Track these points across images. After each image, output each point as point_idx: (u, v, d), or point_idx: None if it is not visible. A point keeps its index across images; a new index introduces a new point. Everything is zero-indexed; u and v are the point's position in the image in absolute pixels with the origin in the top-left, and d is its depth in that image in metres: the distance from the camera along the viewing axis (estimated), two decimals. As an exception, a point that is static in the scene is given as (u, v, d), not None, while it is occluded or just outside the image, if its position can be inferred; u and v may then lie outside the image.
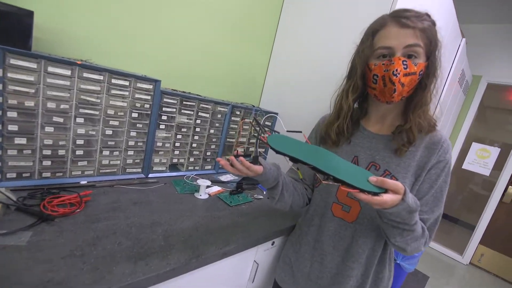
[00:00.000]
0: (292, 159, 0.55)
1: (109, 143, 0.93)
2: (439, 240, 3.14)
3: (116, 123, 0.92)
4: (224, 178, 1.26)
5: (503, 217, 2.84)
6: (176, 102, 1.06)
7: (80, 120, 0.84)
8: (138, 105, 0.95)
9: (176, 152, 1.15)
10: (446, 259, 2.96)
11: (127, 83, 0.91)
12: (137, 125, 0.98)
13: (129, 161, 1.01)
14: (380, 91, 0.63)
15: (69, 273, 0.51)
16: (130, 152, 1.00)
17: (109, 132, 0.92)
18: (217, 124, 1.24)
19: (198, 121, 1.17)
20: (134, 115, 0.96)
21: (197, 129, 1.18)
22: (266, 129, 0.59)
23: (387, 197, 0.49)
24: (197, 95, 1.16)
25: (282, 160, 0.78)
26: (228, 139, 1.32)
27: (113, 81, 0.87)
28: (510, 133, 3.43)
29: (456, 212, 3.71)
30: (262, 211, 1.00)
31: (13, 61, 0.69)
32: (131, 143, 0.98)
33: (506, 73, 2.77)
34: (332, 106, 0.76)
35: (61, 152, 0.83)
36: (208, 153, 1.26)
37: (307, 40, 1.41)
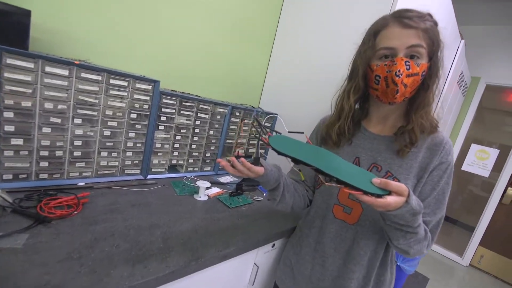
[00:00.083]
0: (294, 160, 0.54)
1: (108, 144, 0.92)
2: (439, 241, 3.14)
3: (115, 124, 0.91)
4: (224, 179, 1.25)
5: (502, 218, 2.84)
6: (175, 103, 1.06)
7: (78, 120, 0.83)
8: (136, 105, 0.95)
9: (175, 153, 1.14)
10: (446, 261, 2.95)
11: (125, 84, 0.90)
12: (136, 126, 0.97)
13: (128, 162, 1.00)
14: (382, 92, 0.62)
15: (66, 276, 0.50)
16: (129, 153, 0.99)
17: (107, 133, 0.91)
18: (216, 125, 1.23)
19: (198, 122, 1.16)
20: (133, 116, 0.95)
21: (197, 130, 1.17)
22: (268, 130, 0.59)
23: (390, 199, 0.48)
24: (197, 95, 1.16)
25: (283, 161, 0.78)
26: (227, 140, 1.31)
27: (112, 81, 0.86)
28: (508, 134, 3.45)
29: (456, 213, 3.71)
30: (262, 212, 0.99)
31: (9, 61, 0.68)
32: (130, 144, 0.97)
33: (504, 75, 2.78)
34: (333, 107, 0.75)
35: (59, 153, 0.82)
36: (208, 154, 1.25)
37: (307, 41, 1.41)
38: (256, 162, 0.59)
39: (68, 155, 0.84)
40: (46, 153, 0.80)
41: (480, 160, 2.72)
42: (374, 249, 0.69)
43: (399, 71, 0.58)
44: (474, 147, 2.74)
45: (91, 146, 0.89)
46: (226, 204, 0.99)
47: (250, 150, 1.44)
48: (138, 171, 1.04)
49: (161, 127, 1.05)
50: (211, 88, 1.41)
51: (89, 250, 0.59)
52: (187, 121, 1.13)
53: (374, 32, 0.64)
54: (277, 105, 1.53)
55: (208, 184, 1.02)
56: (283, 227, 0.92)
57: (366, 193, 0.49)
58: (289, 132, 0.61)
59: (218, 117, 1.23)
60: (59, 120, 0.79)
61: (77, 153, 0.86)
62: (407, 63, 0.58)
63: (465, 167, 2.79)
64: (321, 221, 0.75)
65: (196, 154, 1.21)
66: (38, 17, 0.82)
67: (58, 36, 0.90)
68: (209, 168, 1.29)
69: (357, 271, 0.70)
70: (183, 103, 1.08)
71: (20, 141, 0.75)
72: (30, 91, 0.73)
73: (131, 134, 0.97)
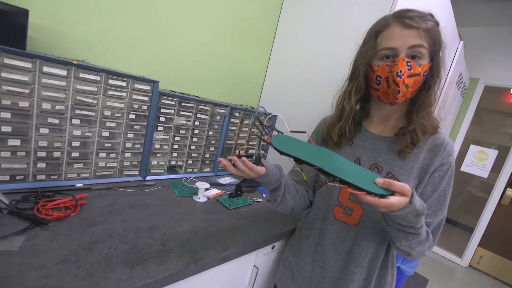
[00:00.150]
0: (297, 160, 0.54)
1: (106, 145, 0.91)
2: (438, 242, 3.10)
3: (113, 124, 0.91)
4: (223, 180, 1.25)
5: (501, 219, 2.84)
6: (174, 103, 1.05)
7: (76, 121, 0.82)
8: (135, 106, 0.94)
9: (174, 154, 1.13)
10: (445, 262, 2.95)
11: (124, 84, 0.89)
12: (135, 126, 0.96)
13: (126, 163, 0.99)
14: (384, 92, 0.62)
15: (63, 279, 0.49)
16: (127, 154, 0.98)
17: (105, 133, 0.90)
18: (216, 126, 1.23)
19: (197, 123, 1.15)
20: (132, 116, 0.94)
21: (196, 131, 1.16)
22: (269, 129, 0.58)
23: (394, 200, 0.48)
24: (196, 96, 1.15)
25: (283, 161, 0.77)
26: (227, 141, 1.30)
27: (110, 81, 0.86)
28: (507, 135, 3.46)
29: (455, 214, 3.71)
30: (261, 214, 0.99)
31: (7, 61, 0.67)
32: (128, 145, 0.97)
33: (503, 76, 2.79)
34: (333, 107, 0.75)
35: (56, 154, 0.81)
36: (207, 155, 1.25)
37: (306, 41, 1.41)
38: (258, 161, 0.59)
39: (66, 156, 0.83)
40: (43, 154, 0.79)
41: (479, 161, 2.73)
42: (375, 251, 0.69)
43: (400, 71, 0.57)
44: (473, 148, 2.75)
45: (89, 147, 0.88)
46: (225, 206, 0.98)
47: (250, 151, 1.44)
48: (137, 172, 1.03)
49: (160, 128, 1.04)
50: (211, 88, 1.40)
51: (86, 252, 0.58)
52: (186, 122, 1.12)
53: (375, 32, 0.63)
54: (277, 106, 1.53)
55: (207, 185, 1.01)
56: (282, 228, 0.91)
57: (369, 193, 0.49)
58: (291, 131, 0.61)
59: (218, 117, 1.22)
60: (57, 121, 0.79)
61: (75, 154, 0.85)
62: (409, 64, 0.58)
63: (464, 168, 2.79)
64: (322, 222, 0.75)
65: (195, 155, 1.21)
66: (36, 17, 0.81)
67: (56, 36, 0.89)
68: (208, 169, 1.29)
69: (357, 273, 0.69)
70: (182, 104, 1.08)
71: (17, 142, 0.74)
72: (27, 91, 0.72)
73: (130, 135, 0.96)
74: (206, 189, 1.03)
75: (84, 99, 0.82)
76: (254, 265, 0.89)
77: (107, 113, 0.88)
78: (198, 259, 0.65)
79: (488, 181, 2.93)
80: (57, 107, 0.78)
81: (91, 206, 0.76)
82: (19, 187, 0.76)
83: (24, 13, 0.71)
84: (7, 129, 0.71)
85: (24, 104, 0.72)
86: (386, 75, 0.60)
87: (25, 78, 0.71)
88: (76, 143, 0.84)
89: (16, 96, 0.71)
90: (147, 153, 1.02)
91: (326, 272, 0.73)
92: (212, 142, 1.24)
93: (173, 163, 1.15)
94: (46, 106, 0.76)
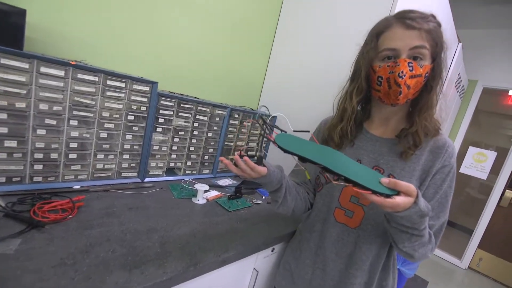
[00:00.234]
0: (301, 159, 0.53)
1: (104, 146, 0.90)
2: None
3: (111, 125, 0.90)
4: (223, 182, 1.24)
5: (500, 221, 2.84)
6: (173, 104, 1.04)
7: (73, 122, 0.81)
8: (134, 107, 0.93)
9: (173, 156, 1.13)
10: (445, 264, 2.95)
11: (123, 85, 0.88)
12: (133, 128, 0.95)
13: (125, 165, 0.98)
14: (385, 93, 0.62)
15: (59, 283, 0.48)
16: (126, 156, 0.97)
17: (104, 135, 0.89)
18: (215, 127, 1.22)
19: (196, 124, 1.14)
20: (130, 117, 0.93)
21: (195, 132, 1.16)
22: (272, 128, 0.57)
23: (399, 200, 0.47)
24: (195, 97, 1.14)
25: (284, 163, 0.76)
26: (226, 143, 1.29)
27: (109, 82, 0.85)
28: (505, 137, 3.47)
29: (454, 216, 3.71)
30: (261, 216, 0.98)
31: (4, 61, 0.66)
32: (127, 146, 0.96)
33: (501, 78, 2.80)
34: (335, 108, 0.74)
35: (54, 155, 0.80)
36: (206, 157, 1.24)
37: (306, 41, 1.41)
38: (259, 162, 0.58)
39: (63, 158, 0.82)
40: (40, 156, 0.78)
41: (478, 163, 2.73)
42: (376, 254, 0.68)
43: (402, 72, 0.57)
44: (472, 150, 2.75)
45: (87, 148, 0.87)
46: (225, 208, 0.97)
47: (249, 152, 1.43)
48: (135, 174, 1.02)
49: (159, 129, 1.03)
50: (210, 89, 1.40)
51: (83, 255, 0.57)
52: (185, 123, 1.11)
53: (377, 33, 0.63)
54: (277, 107, 1.52)
55: (206, 187, 1.00)
56: (282, 231, 0.90)
57: (374, 192, 0.48)
58: (294, 131, 0.60)
59: (217, 119, 1.21)
60: (54, 122, 0.78)
61: (72, 156, 0.84)
62: (410, 64, 0.57)
63: (463, 169, 2.79)
64: (322, 224, 0.74)
65: (195, 156, 1.20)
66: (33, 17, 0.81)
67: (53, 36, 0.88)
68: (207, 171, 1.28)
69: (359, 276, 0.69)
70: (182, 105, 1.07)
71: (13, 143, 0.73)
72: (24, 92, 0.71)
73: (128, 136, 0.95)
74: (205, 191, 1.02)
75: (82, 100, 0.81)
76: (254, 268, 0.88)
77: (105, 114, 0.87)
78: (197, 262, 0.64)
79: (487, 183, 2.94)
80: (55, 108, 0.77)
81: (89, 208, 0.75)
82: (15, 189, 0.75)
83: (22, 12, 0.71)
84: (3, 130, 0.70)
85: (21, 105, 0.71)
86: (387, 75, 0.60)
87: (22, 79, 0.70)
88: (73, 145, 0.83)
89: (13, 96, 0.70)
90: (145, 155, 1.01)
91: (327, 275, 0.72)
92: (211, 143, 1.23)
93: (172, 164, 1.14)
94: (43, 107, 0.75)
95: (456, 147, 3.01)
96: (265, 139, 0.56)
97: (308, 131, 0.60)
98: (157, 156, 1.07)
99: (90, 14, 0.94)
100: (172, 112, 1.05)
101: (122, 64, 1.06)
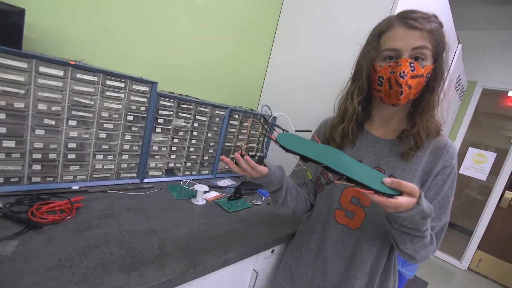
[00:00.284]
0: (303, 158, 0.53)
1: (103, 146, 0.90)
2: (437, 245, 3.12)
3: (111, 126, 0.89)
4: (222, 183, 1.23)
5: (500, 222, 2.84)
6: (173, 105, 1.04)
7: (72, 122, 0.81)
8: (133, 107, 0.93)
9: (173, 157, 1.12)
10: (444, 265, 2.94)
11: (122, 85, 0.88)
12: (133, 128, 0.95)
13: (124, 165, 0.97)
14: (386, 94, 0.61)
15: (57, 285, 0.48)
16: (125, 156, 0.96)
17: (103, 135, 0.88)
18: (215, 128, 1.22)
19: (196, 125, 1.14)
20: (130, 118, 0.93)
21: (195, 133, 1.15)
22: (274, 127, 0.57)
23: (402, 200, 0.47)
24: (195, 98, 1.14)
25: (283, 164, 0.76)
26: (226, 143, 1.29)
27: (108, 82, 0.84)
28: (505, 138, 3.47)
29: (454, 217, 3.71)
30: (261, 217, 0.97)
31: (2, 61, 0.65)
32: (126, 147, 0.95)
33: (500, 79, 2.80)
34: (336, 108, 0.74)
35: (52, 156, 0.80)
36: (206, 158, 1.23)
37: (306, 41, 1.40)
38: (260, 161, 0.58)
39: (62, 158, 0.82)
40: (39, 156, 0.77)
41: (477, 164, 2.72)
42: (377, 255, 0.68)
43: (403, 72, 0.57)
44: (471, 151, 2.75)
45: (86, 148, 0.87)
46: (224, 209, 0.97)
47: (250, 153, 1.42)
48: (135, 175, 1.02)
49: (158, 130, 1.03)
50: (210, 90, 1.39)
51: (81, 257, 0.56)
52: (185, 124, 1.11)
53: (379, 33, 0.63)
54: (277, 107, 1.52)
55: (206, 188, 1.00)
56: (282, 232, 0.89)
57: (377, 192, 0.47)
58: (296, 131, 0.60)
59: (217, 119, 1.21)
60: (53, 122, 0.77)
61: (71, 156, 0.83)
62: (412, 65, 0.57)
63: (462, 170, 2.78)
64: (323, 226, 0.74)
65: (194, 157, 1.19)
66: (32, 16, 0.80)
67: (53, 36, 0.88)
68: (207, 172, 1.27)
69: (359, 277, 0.68)
70: (181, 105, 1.07)
71: (12, 143, 0.72)
72: (23, 92, 0.70)
73: (128, 137, 0.94)
74: (205, 192, 1.01)
75: (81, 100, 0.81)
76: (254, 270, 0.87)
77: (105, 114, 0.87)
78: (197, 263, 0.63)
79: (486, 184, 2.93)
80: (54, 108, 0.76)
81: (87, 209, 0.75)
82: (13, 189, 0.74)
83: (21, 12, 0.70)
84: (2, 130, 0.69)
85: (19, 104, 0.71)
86: (388, 75, 0.59)
87: (21, 79, 0.69)
88: (72, 145, 0.83)
89: (12, 96, 0.69)
90: (145, 155, 1.01)
91: (327, 276, 0.72)
92: (211, 144, 1.23)
93: (171, 165, 1.13)
94: (42, 107, 0.74)
95: (455, 148, 3.04)
96: (266, 139, 0.56)
97: (310, 131, 0.60)
98: (156, 157, 1.06)
99: (90, 14, 0.93)
100: (171, 113, 1.04)
101: (122, 64, 1.05)
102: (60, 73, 0.75)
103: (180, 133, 1.10)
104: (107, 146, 0.91)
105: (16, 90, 0.69)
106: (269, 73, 1.62)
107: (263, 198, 1.17)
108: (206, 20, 1.26)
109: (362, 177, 0.49)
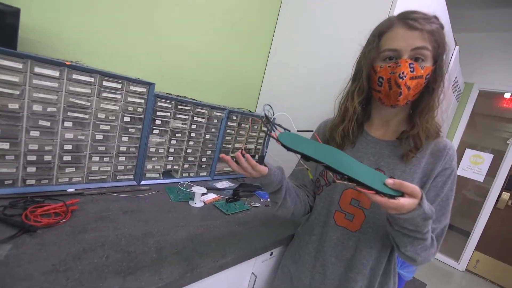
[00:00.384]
0: (304, 157, 0.52)
1: (99, 148, 0.88)
2: (435, 246, 3.13)
3: (107, 127, 0.88)
4: (220, 185, 1.22)
5: (497, 223, 2.85)
6: (170, 106, 1.03)
7: (68, 124, 0.80)
8: (130, 109, 0.91)
9: (170, 158, 1.11)
10: (442, 266, 2.95)
11: (119, 86, 0.87)
12: (129, 129, 0.94)
13: (121, 167, 0.96)
14: (385, 94, 0.61)
15: (51, 291, 0.47)
16: (122, 158, 0.95)
17: (99, 137, 0.87)
18: (213, 129, 1.21)
19: (194, 126, 1.13)
20: (126, 119, 0.92)
21: (192, 134, 1.14)
22: (275, 126, 0.56)
23: (404, 201, 0.46)
24: (193, 99, 1.13)
25: (283, 164, 0.75)
26: (224, 145, 1.28)
27: (105, 83, 0.83)
28: (501, 139, 3.49)
29: (451, 218, 3.70)
30: (259, 219, 0.96)
31: (-4, 61, 0.64)
32: (123, 148, 0.94)
33: (497, 80, 2.82)
34: (336, 109, 0.74)
35: (47, 157, 0.78)
36: (204, 159, 1.22)
37: (305, 42, 1.40)
38: (261, 161, 0.57)
39: (57, 160, 0.81)
40: (34, 158, 0.76)
41: (474, 165, 2.74)
42: (376, 258, 0.67)
43: (402, 73, 0.56)
44: (468, 152, 2.76)
45: (82, 150, 0.85)
46: (222, 211, 0.96)
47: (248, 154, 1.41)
48: (131, 177, 1.01)
49: (155, 131, 1.02)
50: (208, 91, 1.39)
51: (76, 261, 0.55)
52: (182, 125, 1.10)
53: (379, 33, 0.62)
54: (275, 107, 1.52)
55: (204, 190, 0.99)
56: (281, 234, 0.89)
57: (378, 192, 0.47)
58: (298, 131, 0.59)
59: (215, 121, 1.20)
60: (48, 123, 0.76)
61: (67, 158, 0.82)
62: (411, 65, 0.57)
63: (459, 171, 2.79)
64: (322, 228, 0.73)
65: (192, 159, 1.18)
66: (28, 16, 0.79)
67: (48, 36, 0.87)
68: (205, 173, 1.26)
69: (359, 280, 0.67)
70: (179, 107, 1.06)
71: (6, 145, 0.71)
72: (17, 92, 0.69)
73: (124, 138, 0.93)
74: (203, 194, 1.01)
75: (77, 101, 0.79)
76: (252, 273, 0.86)
77: (101, 115, 0.85)
78: (194, 267, 0.62)
79: (483, 185, 2.95)
80: (49, 109, 0.75)
81: (83, 212, 0.74)
82: (7, 192, 0.73)
83: (16, 12, 0.69)
84: (-5, 131, 0.68)
85: (14, 106, 0.69)
86: (388, 76, 0.59)
87: (16, 79, 0.68)
88: (68, 147, 0.81)
89: (6, 97, 0.68)
90: (142, 157, 0.99)
91: (326, 279, 0.71)
92: (209, 145, 1.22)
93: (169, 167, 1.12)
94: (37, 108, 0.73)
95: (455, 150, 3.05)
96: (266, 138, 0.55)
97: (312, 131, 0.60)
98: (153, 158, 1.05)
99: (88, 14, 0.93)
100: (169, 114, 1.03)
101: (120, 64, 1.04)
102: (56, 73, 0.74)
103: (177, 135, 1.09)
104: (103, 148, 0.89)
105: (10, 91, 0.68)
106: (267, 74, 1.61)
107: (262, 200, 1.16)
108: (206, 20, 1.26)
109: (363, 177, 0.48)
